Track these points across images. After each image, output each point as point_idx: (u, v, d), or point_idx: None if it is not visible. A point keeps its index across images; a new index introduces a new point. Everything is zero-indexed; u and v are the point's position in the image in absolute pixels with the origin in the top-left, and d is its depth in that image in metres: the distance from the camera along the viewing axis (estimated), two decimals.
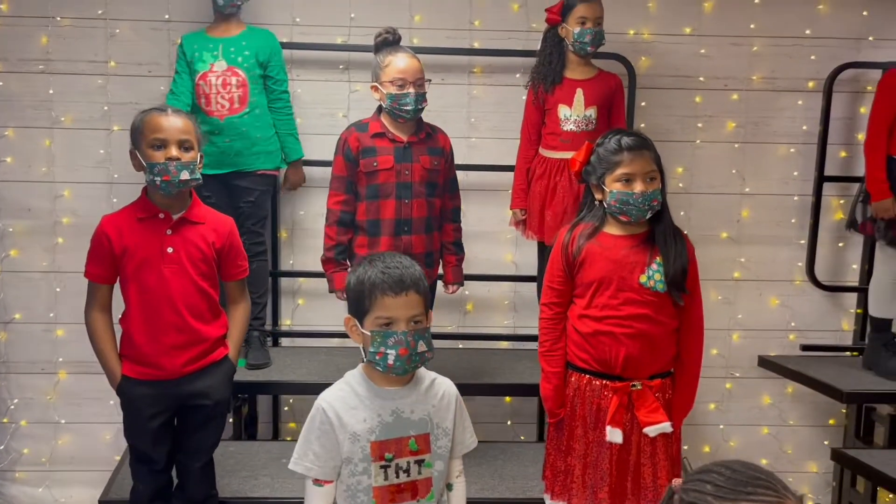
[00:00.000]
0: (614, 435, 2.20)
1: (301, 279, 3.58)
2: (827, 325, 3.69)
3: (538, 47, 3.37)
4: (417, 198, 2.68)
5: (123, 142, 3.42)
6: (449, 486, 1.87)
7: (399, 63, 2.60)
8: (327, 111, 3.48)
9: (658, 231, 2.23)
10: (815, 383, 3.21)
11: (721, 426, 3.70)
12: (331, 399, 1.77)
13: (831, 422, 3.73)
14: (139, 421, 2.28)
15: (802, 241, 3.62)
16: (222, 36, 3.11)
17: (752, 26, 3.50)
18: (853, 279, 3.65)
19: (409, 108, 2.60)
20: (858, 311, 3.65)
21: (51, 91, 3.41)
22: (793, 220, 3.62)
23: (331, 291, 2.76)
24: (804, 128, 3.56)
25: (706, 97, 3.55)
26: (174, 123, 2.18)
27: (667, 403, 2.27)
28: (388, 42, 2.67)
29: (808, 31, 3.51)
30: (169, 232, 2.24)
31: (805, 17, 3.51)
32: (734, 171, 3.60)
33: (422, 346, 1.72)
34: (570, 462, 2.29)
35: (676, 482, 1.29)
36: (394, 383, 1.79)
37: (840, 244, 3.64)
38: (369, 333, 1.72)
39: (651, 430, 2.21)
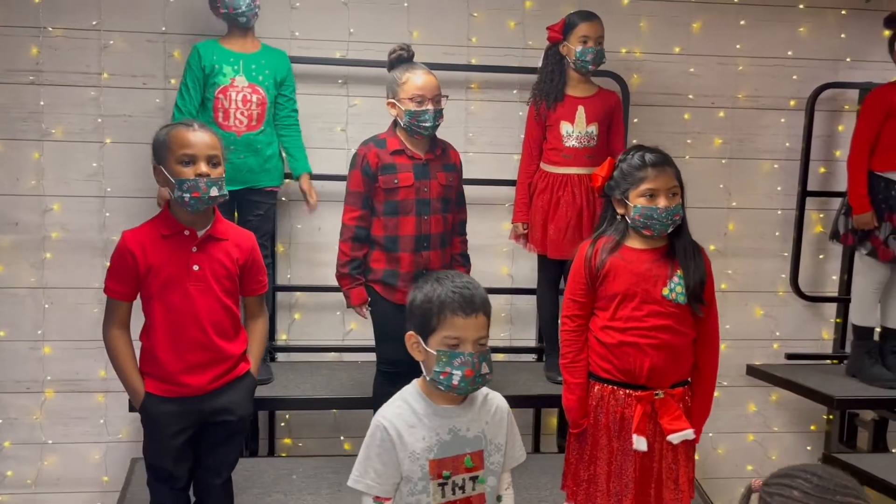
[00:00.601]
0: (640, 443, 2.25)
1: (298, 293, 3.56)
2: (808, 335, 3.83)
3: (534, 64, 3.45)
4: (435, 214, 2.70)
5: (117, 155, 3.40)
6: (498, 498, 1.89)
7: (418, 80, 2.62)
8: (325, 125, 3.48)
9: (678, 245, 2.30)
10: (805, 391, 3.33)
11: (710, 434, 3.81)
12: (390, 416, 1.78)
13: (813, 427, 3.87)
14: (163, 438, 2.24)
15: (786, 254, 3.76)
16: (241, 51, 3.08)
17: (738, 46, 3.64)
18: (832, 289, 3.81)
19: (427, 124, 2.63)
20: (838, 320, 3.80)
21: (41, 103, 3.33)
22: (777, 234, 3.76)
23: (348, 307, 2.76)
24: (787, 145, 3.71)
25: (694, 114, 3.67)
26: (203, 139, 2.17)
27: (686, 411, 2.34)
28: (403, 59, 2.70)
29: (790, 53, 3.67)
30: (194, 249, 2.21)
31: (787, 39, 3.67)
32: (721, 186, 3.72)
33: (485, 368, 1.75)
34: (595, 471, 2.33)
35: (755, 482, 1.34)
36: (451, 401, 1.81)
37: (820, 256, 3.80)
38: (435, 352, 1.74)
39: (675, 438, 2.27)
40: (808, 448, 3.85)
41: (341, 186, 3.50)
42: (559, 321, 2.44)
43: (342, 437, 3.62)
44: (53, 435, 3.49)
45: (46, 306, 3.42)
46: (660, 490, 2.31)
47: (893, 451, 3.46)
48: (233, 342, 2.28)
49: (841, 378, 3.42)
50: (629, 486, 2.29)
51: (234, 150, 3.03)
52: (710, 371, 2.37)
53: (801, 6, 3.63)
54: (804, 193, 3.66)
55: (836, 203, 3.73)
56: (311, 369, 3.39)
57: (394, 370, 2.78)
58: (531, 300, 3.68)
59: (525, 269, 3.60)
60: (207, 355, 2.23)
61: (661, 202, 2.23)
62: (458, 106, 3.54)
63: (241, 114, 3.04)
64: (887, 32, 3.60)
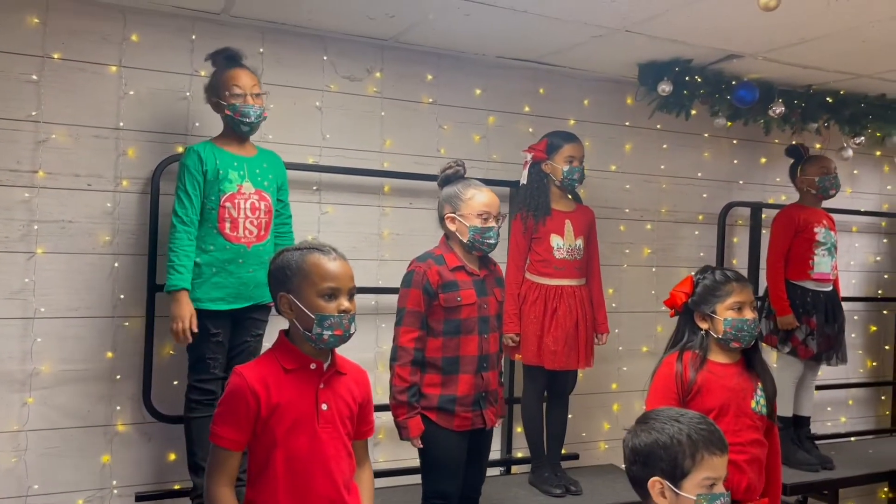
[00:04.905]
0: None
1: None
2: None
3: (497, 177, 3.55)
4: (493, 332, 2.61)
5: (51, 267, 2.84)
6: None
7: (484, 197, 2.57)
8: (296, 233, 3.19)
9: (755, 358, 2.46)
10: None
11: None
12: None
13: None
14: None
15: None
16: (241, 154, 2.78)
17: (661, 167, 4.04)
18: None
19: (492, 241, 2.57)
20: None
21: None
22: None
23: (404, 439, 2.51)
24: (701, 254, 4.14)
25: (629, 226, 3.97)
26: (345, 270, 1.92)
27: None
28: (459, 175, 2.63)
29: (699, 174, 4.14)
30: (322, 386, 1.92)
31: (696, 162, 4.15)
32: (652, 293, 4.03)
33: None
34: None
35: None
36: None
37: None
38: (694, 498, 1.67)
39: None
40: None
41: None
42: None
43: None
44: None
45: None
46: None
47: None
48: (351, 495, 1.98)
49: None
50: None
51: (243, 264, 2.70)
52: (778, 477, 2.52)
53: (706, 135, 4.14)
54: None
55: None
56: None
57: None
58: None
59: None
60: None
61: (749, 314, 2.38)
62: (428, 214, 3.48)
63: (251, 223, 2.72)
64: (763, 160, 4.24)
